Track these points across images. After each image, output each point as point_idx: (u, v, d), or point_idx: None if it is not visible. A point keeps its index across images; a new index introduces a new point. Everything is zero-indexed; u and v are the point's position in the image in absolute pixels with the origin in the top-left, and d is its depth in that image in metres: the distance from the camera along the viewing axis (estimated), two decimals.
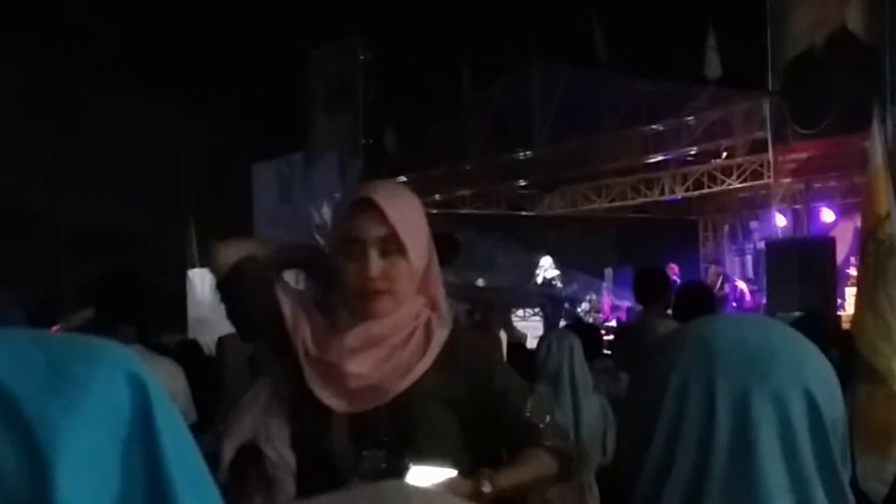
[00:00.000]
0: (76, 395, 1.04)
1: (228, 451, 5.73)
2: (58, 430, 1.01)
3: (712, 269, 25.02)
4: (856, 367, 4.79)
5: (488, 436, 3.20)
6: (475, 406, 3.16)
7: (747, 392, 1.40)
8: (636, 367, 1.60)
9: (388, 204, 3.08)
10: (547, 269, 24.58)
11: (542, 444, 3.21)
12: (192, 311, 33.27)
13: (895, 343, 4.75)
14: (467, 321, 8.33)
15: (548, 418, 3.29)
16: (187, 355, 8.22)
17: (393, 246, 3.09)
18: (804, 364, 1.45)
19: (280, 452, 5.79)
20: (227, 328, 7.58)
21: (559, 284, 24.79)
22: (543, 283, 24.26)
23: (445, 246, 9.05)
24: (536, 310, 25.95)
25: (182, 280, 34.07)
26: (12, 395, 1.02)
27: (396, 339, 3.13)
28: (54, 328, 12.43)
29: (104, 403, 1.05)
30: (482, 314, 8.46)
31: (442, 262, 8.86)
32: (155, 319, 7.44)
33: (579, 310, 24.93)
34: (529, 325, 23.56)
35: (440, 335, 3.17)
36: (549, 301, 23.72)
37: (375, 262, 3.07)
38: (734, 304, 22.84)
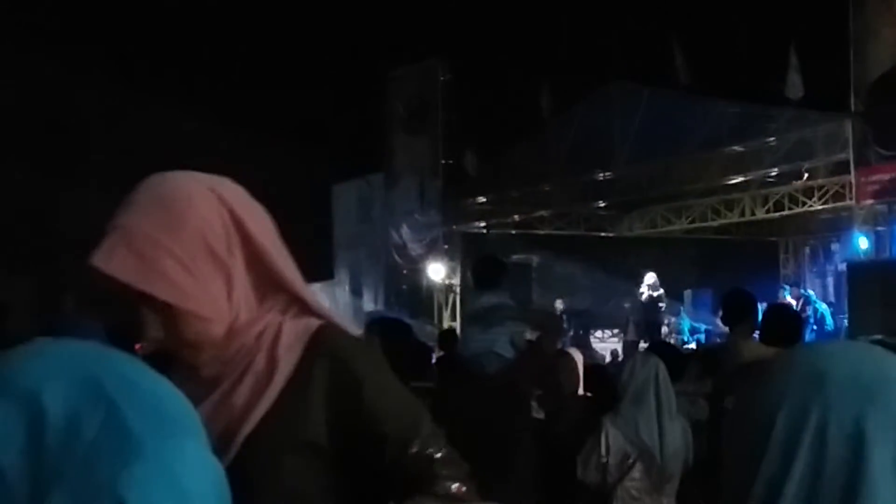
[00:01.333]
0: (81, 497, 1.13)
1: None
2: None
3: (792, 290, 24.80)
4: None
5: (367, 482, 2.42)
6: (344, 442, 2.37)
7: (862, 422, 1.39)
8: (739, 395, 1.59)
9: (103, 258, 2.23)
10: (651, 287, 23.92)
11: (436, 491, 2.40)
12: None
13: None
14: (520, 345, 8.28)
15: (443, 452, 2.44)
16: None
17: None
18: None
19: None
20: None
21: (663, 304, 24.24)
22: (648, 301, 23.69)
23: (491, 268, 9.17)
24: (616, 330, 25.89)
25: None
26: (46, 464, 1.13)
27: (227, 379, 2.35)
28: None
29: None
30: (536, 338, 8.44)
31: (489, 285, 8.92)
32: None
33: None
34: (608, 347, 23.57)
35: (294, 348, 2.37)
36: (646, 321, 23.39)
37: (149, 322, 2.31)
38: (814, 327, 22.65)
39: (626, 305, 26.46)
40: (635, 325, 23.65)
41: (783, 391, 1.45)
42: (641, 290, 23.91)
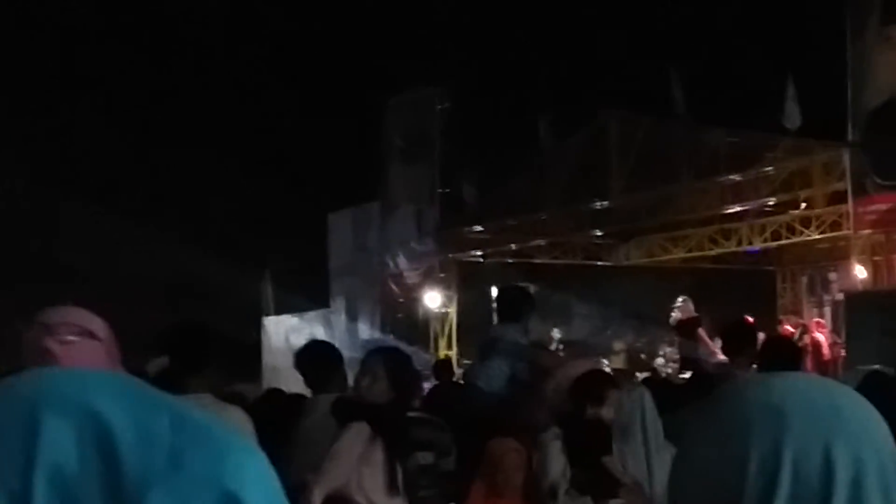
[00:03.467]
0: (181, 494, 1.07)
1: (317, 498, 5.77)
2: None
3: (792, 320, 24.70)
4: None
5: None
6: None
7: (829, 454, 1.39)
8: (691, 430, 1.54)
9: None
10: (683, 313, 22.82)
11: None
12: (267, 359, 33.48)
13: None
14: (511, 386, 8.15)
15: None
16: (271, 404, 8.25)
17: None
18: (866, 424, 1.45)
19: (371, 499, 5.83)
20: (299, 377, 7.64)
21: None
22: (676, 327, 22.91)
23: (506, 299, 9.04)
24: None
25: (257, 328, 34.30)
26: (127, 476, 1.06)
27: None
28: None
29: None
30: (535, 378, 8.23)
31: (502, 316, 8.76)
32: (228, 368, 7.53)
33: (655, 362, 24.54)
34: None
35: None
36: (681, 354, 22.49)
37: None
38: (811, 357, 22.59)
39: (608, 332, 26.42)
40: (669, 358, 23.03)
41: (747, 428, 1.43)
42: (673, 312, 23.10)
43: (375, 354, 6.64)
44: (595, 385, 6.53)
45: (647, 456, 6.65)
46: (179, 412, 1.14)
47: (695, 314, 21.93)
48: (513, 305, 8.71)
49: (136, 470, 1.07)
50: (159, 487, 1.06)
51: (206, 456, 1.11)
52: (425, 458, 6.82)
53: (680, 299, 22.86)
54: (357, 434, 5.94)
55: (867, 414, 1.47)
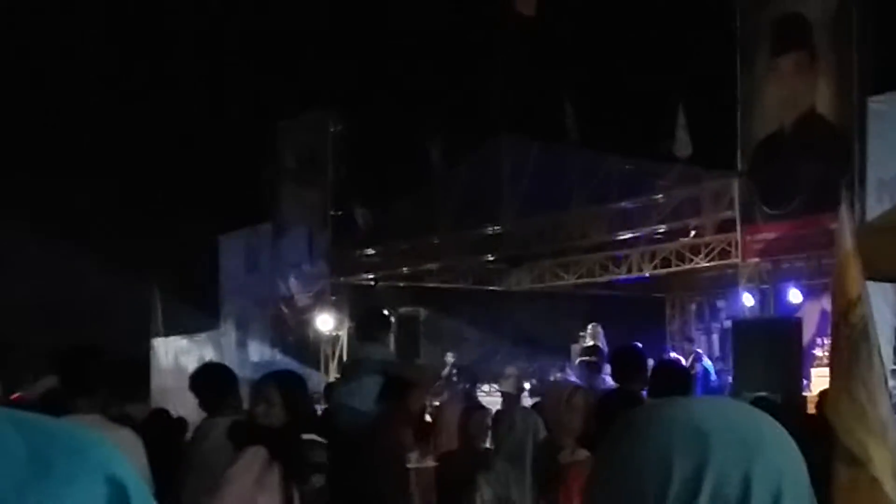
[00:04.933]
0: (55, 494, 1.02)
1: None
2: None
3: (686, 346, 24.95)
4: (834, 450, 4.81)
5: None
6: None
7: (749, 478, 1.41)
8: (606, 449, 1.54)
9: None
10: (592, 338, 22.74)
11: None
12: (156, 381, 33.13)
13: (870, 427, 4.77)
14: (380, 403, 8.23)
15: None
16: (157, 425, 8.16)
17: None
18: (783, 448, 1.48)
19: None
20: (189, 398, 7.55)
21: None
22: (583, 352, 22.86)
23: (371, 321, 9.21)
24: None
25: (146, 349, 33.91)
26: None
27: None
28: (14, 396, 12.34)
29: None
30: (401, 394, 8.35)
31: (368, 337, 8.90)
32: (116, 389, 7.43)
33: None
34: (495, 401, 23.43)
35: None
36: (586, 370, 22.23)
37: None
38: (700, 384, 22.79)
39: (498, 357, 26.49)
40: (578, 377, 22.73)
41: (670, 450, 1.42)
42: (582, 337, 23.12)
43: (269, 378, 6.60)
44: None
45: (534, 482, 6.64)
46: (21, 419, 1.08)
47: (602, 342, 22.07)
48: (375, 326, 8.95)
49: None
50: (30, 500, 1.00)
51: (70, 454, 1.05)
52: (319, 480, 6.78)
53: (590, 326, 23.08)
54: (253, 458, 5.87)
55: (784, 438, 1.49)
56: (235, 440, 6.17)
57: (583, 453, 6.28)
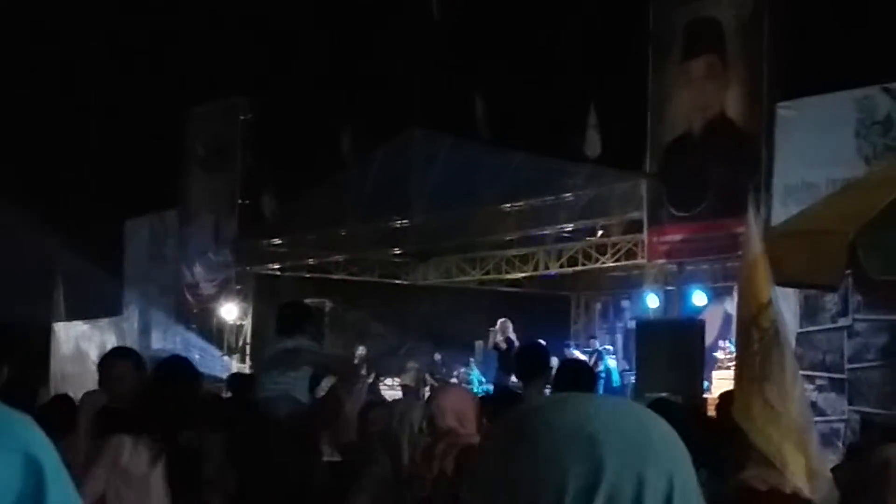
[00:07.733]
0: None
1: None
2: None
3: (590, 343, 25.14)
4: (745, 454, 4.83)
5: None
6: None
7: (642, 481, 1.41)
8: (490, 450, 1.52)
9: None
10: (502, 333, 22.69)
11: None
12: (56, 366, 32.70)
13: (783, 429, 4.79)
14: (310, 394, 8.33)
15: None
16: (60, 410, 8.03)
17: None
18: (673, 451, 1.49)
19: None
20: (89, 384, 7.43)
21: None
22: (496, 348, 22.84)
23: (293, 313, 9.27)
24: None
25: (47, 334, 33.45)
26: None
27: None
28: None
29: None
30: (332, 384, 8.45)
31: (290, 330, 9.00)
32: (15, 374, 7.30)
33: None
34: (398, 395, 23.45)
35: None
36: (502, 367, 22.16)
37: None
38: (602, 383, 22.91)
39: (402, 351, 26.57)
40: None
41: (563, 455, 1.42)
42: (492, 333, 23.14)
43: (161, 366, 6.53)
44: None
45: None
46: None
47: (512, 336, 22.17)
48: (299, 318, 9.02)
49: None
50: None
51: None
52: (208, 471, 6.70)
53: (499, 321, 23.12)
54: (120, 444, 5.78)
55: (673, 439, 1.49)
56: (97, 430, 6.10)
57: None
